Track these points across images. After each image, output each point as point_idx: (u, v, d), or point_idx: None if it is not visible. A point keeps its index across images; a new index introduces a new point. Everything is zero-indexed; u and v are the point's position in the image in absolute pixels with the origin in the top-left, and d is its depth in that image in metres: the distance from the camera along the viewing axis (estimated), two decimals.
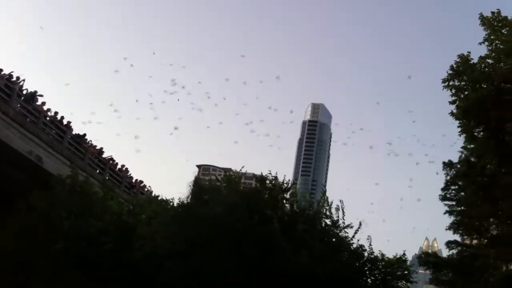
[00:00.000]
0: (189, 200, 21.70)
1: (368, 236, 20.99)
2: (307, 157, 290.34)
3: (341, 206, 21.16)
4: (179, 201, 21.90)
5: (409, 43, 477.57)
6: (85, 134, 33.30)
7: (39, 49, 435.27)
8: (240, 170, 23.10)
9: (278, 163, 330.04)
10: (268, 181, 21.88)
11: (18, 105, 27.72)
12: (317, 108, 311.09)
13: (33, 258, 22.18)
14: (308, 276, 18.52)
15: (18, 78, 27.85)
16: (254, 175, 22.46)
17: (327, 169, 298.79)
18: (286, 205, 22.23)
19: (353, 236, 20.94)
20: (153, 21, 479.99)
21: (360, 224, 21.08)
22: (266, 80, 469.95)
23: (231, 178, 22.42)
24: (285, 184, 22.18)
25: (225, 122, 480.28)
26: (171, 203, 23.57)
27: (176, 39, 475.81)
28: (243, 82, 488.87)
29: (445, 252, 25.13)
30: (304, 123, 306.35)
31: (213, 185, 22.76)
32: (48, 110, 30.15)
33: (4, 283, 23.46)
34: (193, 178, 22.62)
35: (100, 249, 20.98)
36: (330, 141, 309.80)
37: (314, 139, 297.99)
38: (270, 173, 22.01)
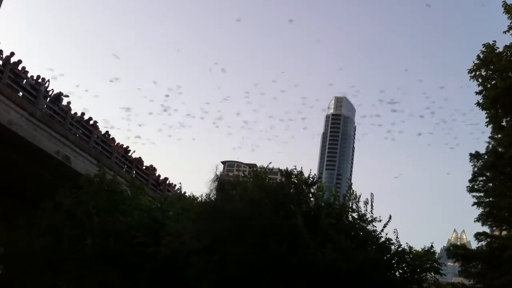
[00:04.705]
0: (214, 196, 21.80)
1: (395, 230, 20.85)
2: (331, 151, 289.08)
3: (370, 200, 21.02)
4: (206, 198, 22.05)
5: (432, 35, 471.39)
6: (107, 132, 33.84)
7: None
8: (267, 166, 23.08)
9: (303, 158, 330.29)
10: (293, 176, 21.86)
11: (45, 106, 28.17)
12: (340, 102, 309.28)
13: (60, 255, 22.53)
14: (333, 270, 18.47)
15: (43, 79, 28.30)
16: (279, 170, 22.43)
17: (352, 163, 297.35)
18: (312, 199, 22.18)
19: (382, 230, 20.79)
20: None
21: (390, 217, 20.92)
22: (288, 75, 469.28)
23: (257, 173, 22.45)
24: (310, 179, 22.13)
25: (250, 118, 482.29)
26: (198, 200, 23.72)
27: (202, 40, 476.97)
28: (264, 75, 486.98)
29: (474, 244, 24.88)
30: (327, 117, 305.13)
31: (238, 181, 22.82)
32: (76, 114, 30.63)
33: (33, 281, 23.86)
34: (213, 175, 22.62)
35: (129, 244, 21.24)
36: (355, 134, 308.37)
37: (338, 132, 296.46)
38: (295, 168, 22.01)
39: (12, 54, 26.15)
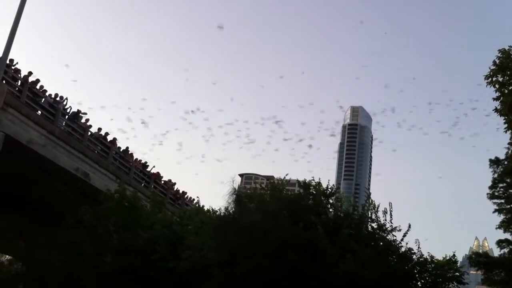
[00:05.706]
0: (231, 209, 21.77)
1: (416, 240, 20.64)
2: (349, 161, 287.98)
3: (389, 209, 20.84)
4: (225, 211, 22.04)
5: (444, 43, 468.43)
6: (127, 148, 33.96)
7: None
8: (284, 177, 23.05)
9: (320, 168, 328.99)
10: (311, 187, 21.81)
11: (63, 124, 28.49)
12: (356, 111, 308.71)
13: (80, 271, 22.66)
14: (353, 280, 18.32)
15: (61, 97, 28.62)
16: (297, 181, 22.40)
17: (370, 172, 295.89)
18: (331, 210, 22.10)
19: (402, 239, 20.59)
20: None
21: (409, 226, 20.72)
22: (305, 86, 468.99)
23: (274, 185, 22.44)
24: (329, 189, 22.06)
25: (267, 130, 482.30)
26: (217, 213, 23.73)
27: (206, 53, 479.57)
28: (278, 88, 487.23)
29: (496, 252, 24.65)
30: (344, 127, 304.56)
31: (256, 193, 22.81)
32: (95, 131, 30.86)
33: None
34: (231, 188, 22.54)
35: (149, 259, 21.31)
36: (372, 143, 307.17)
37: (355, 142, 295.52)
38: (313, 179, 21.97)
39: (30, 73, 26.51)
